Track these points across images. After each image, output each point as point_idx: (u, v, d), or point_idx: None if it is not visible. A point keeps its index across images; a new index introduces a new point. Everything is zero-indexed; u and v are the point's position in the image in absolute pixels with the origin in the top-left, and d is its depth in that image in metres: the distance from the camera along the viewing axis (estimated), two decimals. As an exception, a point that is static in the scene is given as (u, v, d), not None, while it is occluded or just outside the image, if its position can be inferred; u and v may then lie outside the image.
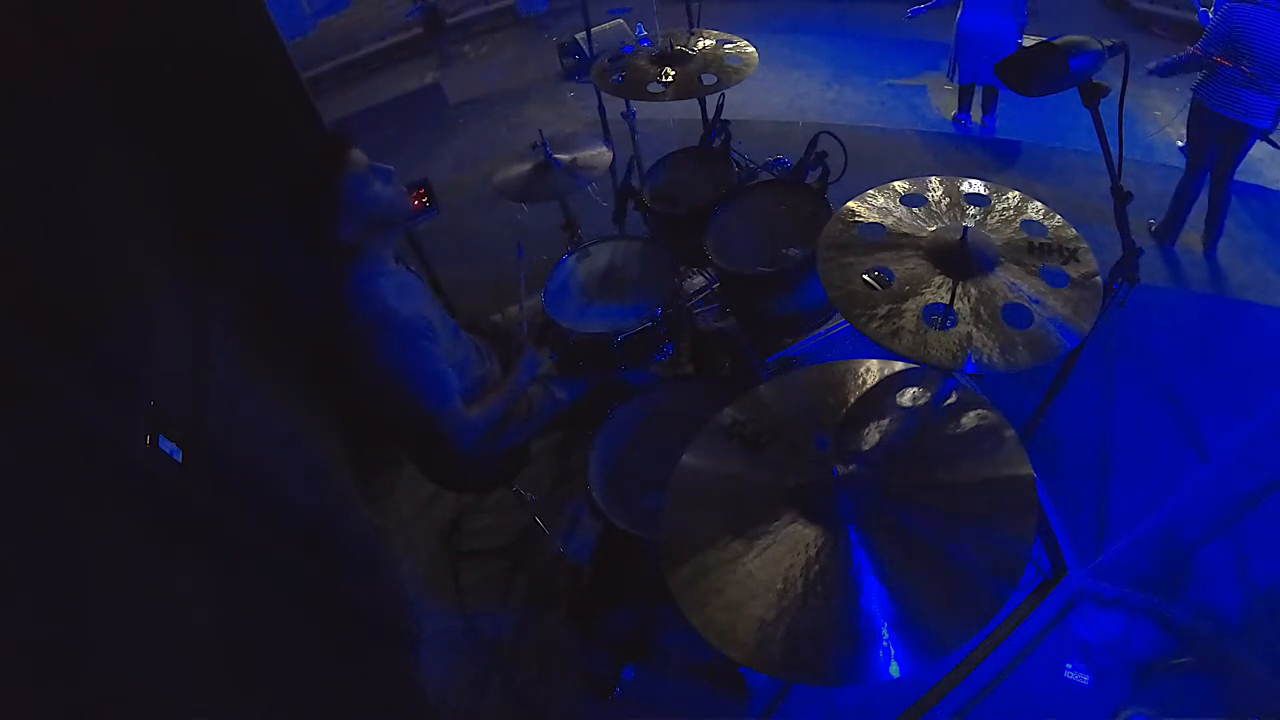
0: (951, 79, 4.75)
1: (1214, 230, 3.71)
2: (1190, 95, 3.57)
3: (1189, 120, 3.59)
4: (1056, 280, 1.45)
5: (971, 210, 1.63)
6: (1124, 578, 2.32)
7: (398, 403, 1.73)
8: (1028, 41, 4.21)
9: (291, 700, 1.55)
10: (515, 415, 1.98)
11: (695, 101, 2.96)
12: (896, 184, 1.71)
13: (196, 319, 1.88)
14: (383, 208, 1.62)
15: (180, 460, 1.41)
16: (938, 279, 1.47)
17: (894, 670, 1.01)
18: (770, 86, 5.48)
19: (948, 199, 1.66)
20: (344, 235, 1.59)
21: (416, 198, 2.50)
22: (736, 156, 2.81)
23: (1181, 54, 3.44)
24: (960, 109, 4.92)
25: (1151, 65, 3.61)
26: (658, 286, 2.22)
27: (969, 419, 1.29)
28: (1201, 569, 2.37)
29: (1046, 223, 1.57)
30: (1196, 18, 4.03)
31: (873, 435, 1.31)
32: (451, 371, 1.75)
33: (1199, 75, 3.41)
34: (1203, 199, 3.70)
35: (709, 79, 2.58)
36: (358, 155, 1.58)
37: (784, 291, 2.21)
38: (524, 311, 2.08)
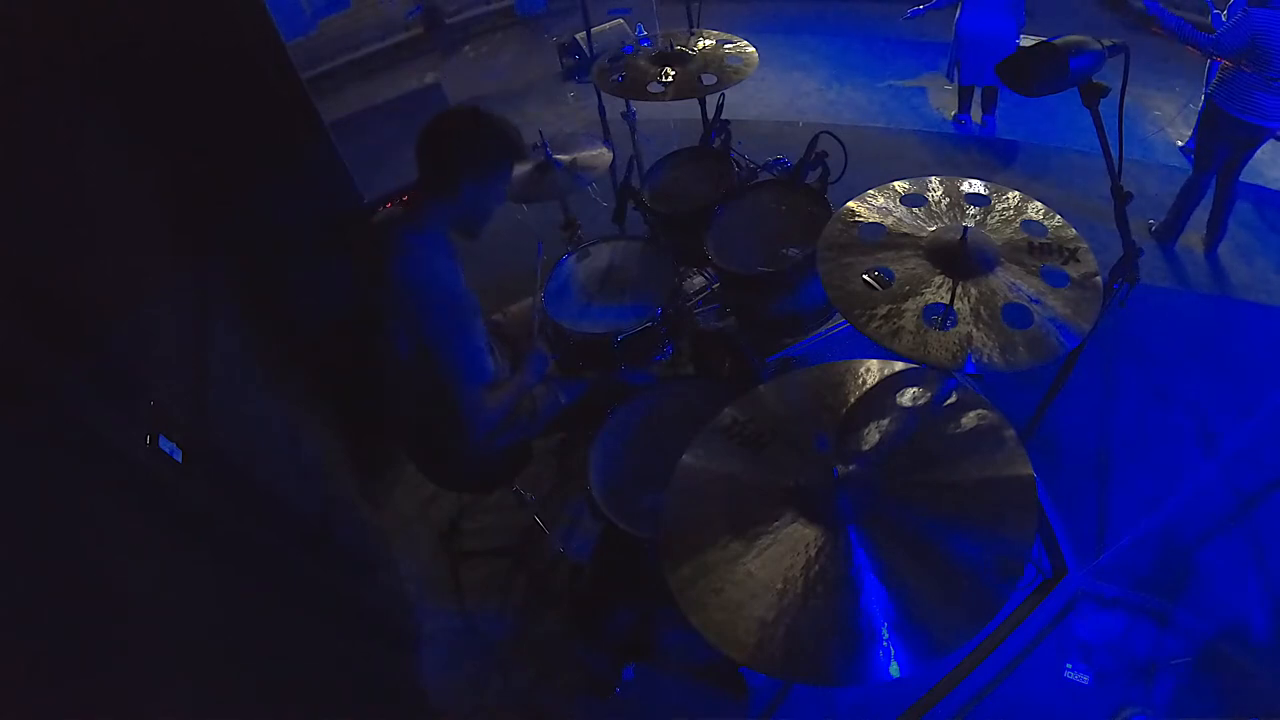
0: (951, 80, 4.76)
1: (1216, 231, 3.71)
2: (1191, 96, 3.56)
3: (1201, 122, 3.57)
4: (1056, 280, 1.45)
5: (971, 210, 1.63)
6: (1124, 578, 2.32)
7: (426, 380, 1.76)
8: (1026, 41, 4.21)
9: (292, 700, 1.55)
10: (519, 414, 1.98)
11: (695, 101, 2.96)
12: (896, 184, 1.72)
13: (196, 319, 1.88)
14: (479, 208, 1.78)
15: (180, 460, 1.41)
16: (938, 279, 1.47)
17: (894, 670, 1.01)
18: (770, 86, 5.47)
19: (948, 199, 1.66)
20: (462, 188, 1.71)
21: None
22: (736, 156, 2.81)
23: (1189, 30, 3.34)
24: (960, 109, 4.92)
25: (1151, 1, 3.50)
26: (658, 286, 2.22)
27: (969, 419, 1.29)
28: (1201, 569, 2.37)
29: (1046, 223, 1.57)
30: (1201, 19, 4.02)
31: (873, 435, 1.31)
32: (487, 352, 1.80)
33: (1214, 80, 3.41)
34: (1205, 200, 3.70)
35: (709, 79, 2.59)
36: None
37: (784, 291, 2.22)
38: (536, 310, 2.09)
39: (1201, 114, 3.56)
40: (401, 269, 1.69)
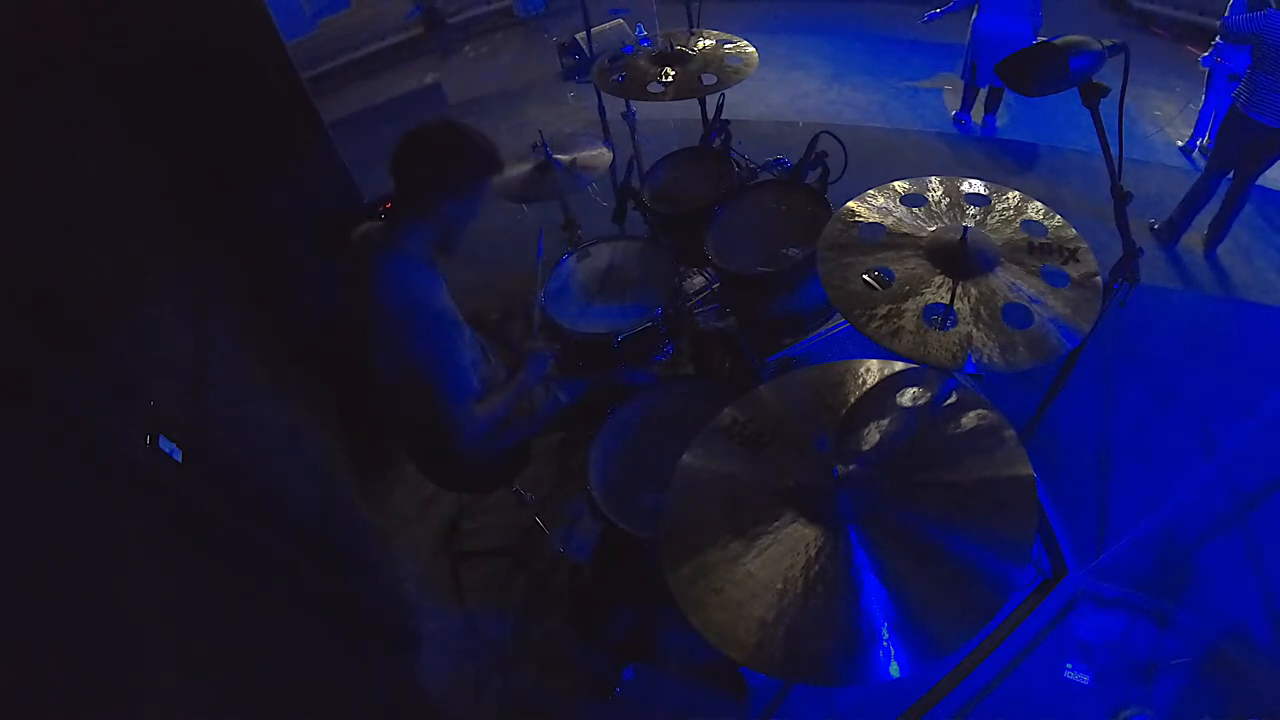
0: (968, 80, 4.76)
1: (1220, 232, 3.71)
2: (1191, 96, 3.56)
3: (1221, 126, 3.59)
4: (1056, 280, 1.45)
5: (971, 210, 1.63)
6: (1124, 578, 2.32)
7: (414, 395, 1.75)
8: (1043, 42, 4.21)
9: (291, 700, 1.54)
10: (518, 415, 1.98)
11: (695, 101, 2.96)
12: (896, 184, 1.71)
13: (196, 319, 1.88)
14: (457, 225, 1.77)
15: (180, 460, 1.41)
16: (938, 279, 1.47)
17: (894, 670, 1.01)
18: (770, 86, 5.47)
19: (948, 199, 1.66)
20: (441, 207, 1.70)
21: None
22: (736, 156, 2.81)
23: (1237, 19, 3.36)
24: (961, 108, 4.92)
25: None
26: (658, 286, 2.22)
27: (969, 419, 1.29)
28: (1201, 569, 2.37)
29: (1046, 223, 1.57)
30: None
31: (873, 435, 1.31)
32: (471, 368, 1.79)
33: (1240, 87, 3.42)
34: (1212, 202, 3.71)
35: (709, 79, 2.58)
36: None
37: (784, 291, 2.22)
38: (536, 310, 2.09)
39: (1223, 118, 3.58)
40: (380, 292, 1.67)
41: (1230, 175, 3.61)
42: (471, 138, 1.69)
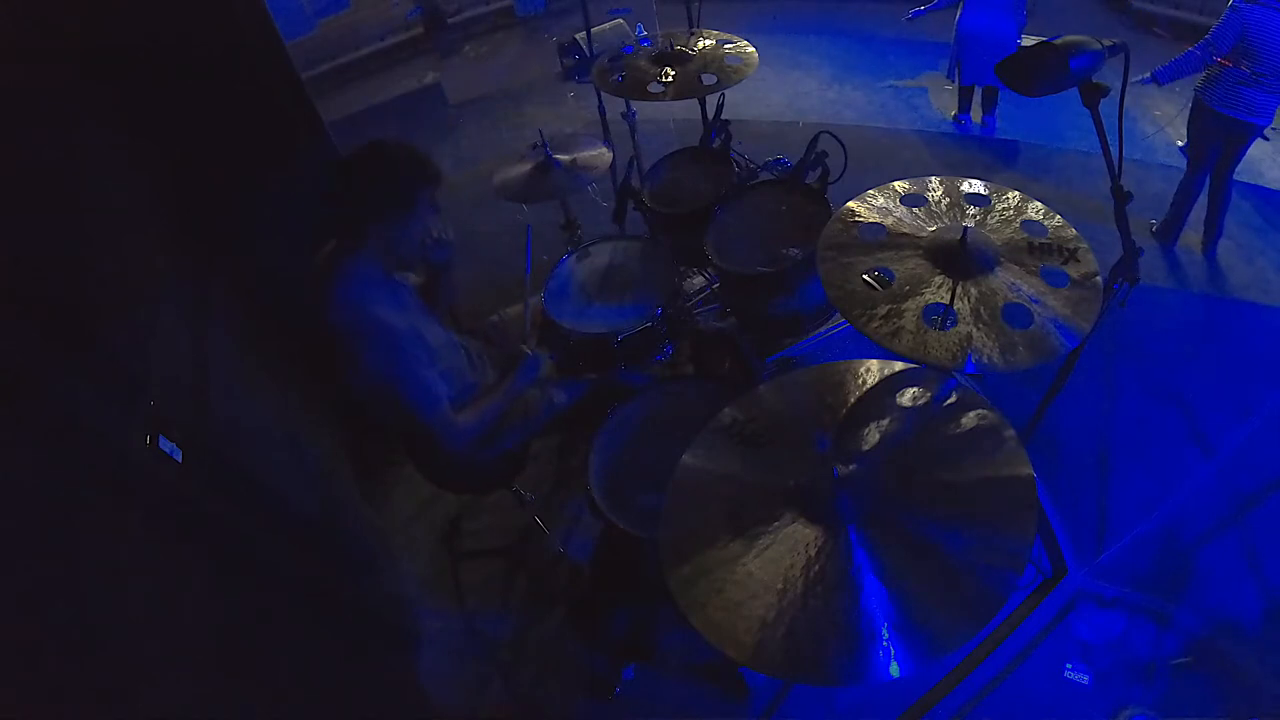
0: (953, 79, 4.77)
1: (1214, 230, 3.71)
2: (1191, 96, 3.56)
3: (1190, 120, 3.59)
4: (1056, 280, 1.45)
5: (971, 210, 1.63)
6: (1124, 578, 2.32)
7: (387, 406, 1.75)
8: (1027, 41, 4.22)
9: (291, 700, 1.54)
10: (513, 417, 1.98)
11: (695, 101, 2.96)
12: (896, 184, 1.71)
13: (196, 319, 1.88)
14: (399, 244, 1.71)
15: (180, 460, 1.41)
16: (938, 279, 1.47)
17: (894, 670, 1.01)
18: (770, 86, 5.48)
19: (948, 199, 1.66)
20: (369, 234, 1.67)
21: None
22: (736, 156, 2.81)
23: (1183, 57, 3.41)
24: (960, 109, 4.92)
25: (1146, 76, 3.53)
26: (658, 286, 2.22)
27: (969, 419, 1.29)
28: (1201, 569, 2.37)
29: (1046, 223, 1.57)
30: (1198, 17, 4.02)
31: (873, 435, 1.31)
32: (439, 379, 1.76)
33: (1200, 78, 3.41)
34: (1202, 198, 3.71)
35: (709, 79, 2.58)
36: (433, 196, 1.71)
37: (784, 291, 2.21)
38: (528, 312, 2.09)
39: (1190, 113, 3.57)
40: (332, 314, 1.66)
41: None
42: (395, 158, 1.65)
